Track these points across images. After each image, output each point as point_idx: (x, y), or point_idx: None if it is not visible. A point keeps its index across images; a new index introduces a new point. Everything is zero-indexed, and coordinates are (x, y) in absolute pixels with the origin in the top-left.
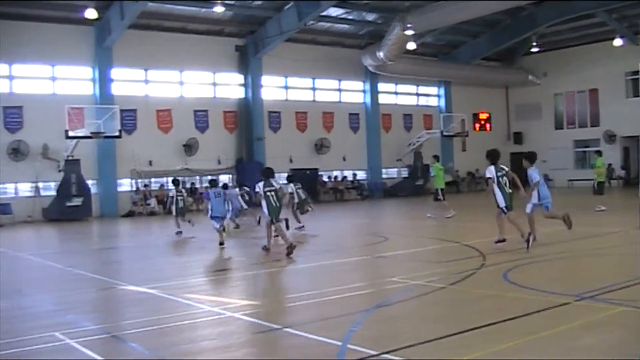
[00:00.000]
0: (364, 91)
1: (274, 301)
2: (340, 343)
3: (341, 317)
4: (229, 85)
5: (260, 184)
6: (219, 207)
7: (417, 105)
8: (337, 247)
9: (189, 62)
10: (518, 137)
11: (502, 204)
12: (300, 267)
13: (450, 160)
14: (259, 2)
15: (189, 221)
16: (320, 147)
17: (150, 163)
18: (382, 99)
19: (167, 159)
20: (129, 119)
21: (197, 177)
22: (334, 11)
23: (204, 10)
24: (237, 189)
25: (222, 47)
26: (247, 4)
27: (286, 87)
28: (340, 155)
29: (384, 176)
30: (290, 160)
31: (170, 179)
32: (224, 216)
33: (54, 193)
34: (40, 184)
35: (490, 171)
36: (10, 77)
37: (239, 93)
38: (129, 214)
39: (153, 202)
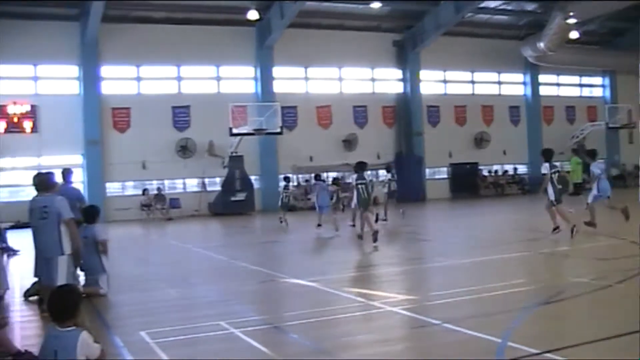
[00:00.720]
0: (524, 83)
1: (433, 296)
2: (500, 340)
3: (501, 314)
4: (387, 81)
5: (354, 176)
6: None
7: (580, 97)
8: (496, 242)
9: (348, 59)
10: None
11: (552, 197)
12: (459, 262)
13: (616, 153)
14: None
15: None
16: (480, 141)
17: (311, 158)
18: (543, 90)
19: (327, 154)
20: (289, 116)
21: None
22: (493, 2)
23: (361, 6)
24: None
25: (380, 43)
26: None
27: (444, 81)
28: (501, 149)
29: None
30: (450, 155)
31: (331, 174)
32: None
33: (219, 188)
34: (206, 180)
35: (546, 167)
36: (179, 79)
37: (397, 88)
38: (291, 209)
39: (314, 197)
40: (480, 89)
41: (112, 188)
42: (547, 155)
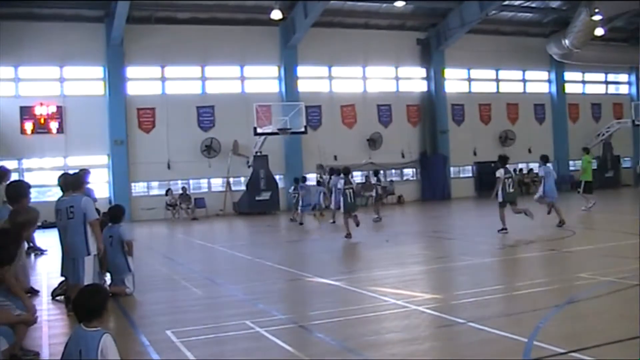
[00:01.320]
0: (549, 81)
1: (458, 295)
2: (526, 340)
3: (528, 313)
4: (412, 79)
5: (342, 182)
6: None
7: (606, 94)
8: (521, 241)
9: (372, 57)
10: None
11: (500, 199)
12: (486, 261)
13: None
14: None
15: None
16: (505, 139)
17: (335, 158)
18: (569, 88)
19: (351, 153)
20: (314, 115)
21: (382, 171)
22: (517, 0)
23: (385, 5)
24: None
25: (404, 41)
26: None
27: (469, 79)
28: (526, 147)
29: (572, 168)
30: (474, 153)
31: (357, 174)
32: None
33: (243, 188)
34: (231, 179)
35: (500, 172)
36: (203, 79)
37: (422, 86)
38: (314, 207)
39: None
40: (505, 87)
41: (138, 188)
42: (503, 161)
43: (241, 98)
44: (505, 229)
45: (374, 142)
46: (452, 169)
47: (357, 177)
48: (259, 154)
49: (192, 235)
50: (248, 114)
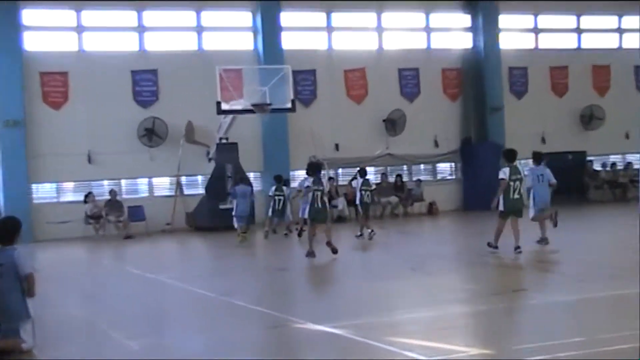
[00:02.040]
0: None
1: (519, 351)
2: None
3: None
4: (450, 31)
5: (310, 180)
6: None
7: None
8: (612, 271)
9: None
10: None
11: (501, 207)
12: (556, 300)
13: None
14: None
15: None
16: (589, 118)
17: (337, 147)
18: None
19: (361, 141)
20: (305, 85)
21: (404, 167)
22: None
23: None
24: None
25: None
26: None
27: (536, 30)
28: (621, 130)
29: None
30: (542, 140)
31: (370, 170)
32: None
33: (201, 191)
34: (183, 179)
35: (505, 172)
36: (141, 29)
37: (465, 42)
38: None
39: (341, 203)
40: (590, 41)
41: (43, 192)
42: (509, 156)
43: (198, 59)
44: (496, 247)
45: (393, 124)
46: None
47: (370, 173)
48: (224, 141)
49: (125, 261)
50: (208, 83)
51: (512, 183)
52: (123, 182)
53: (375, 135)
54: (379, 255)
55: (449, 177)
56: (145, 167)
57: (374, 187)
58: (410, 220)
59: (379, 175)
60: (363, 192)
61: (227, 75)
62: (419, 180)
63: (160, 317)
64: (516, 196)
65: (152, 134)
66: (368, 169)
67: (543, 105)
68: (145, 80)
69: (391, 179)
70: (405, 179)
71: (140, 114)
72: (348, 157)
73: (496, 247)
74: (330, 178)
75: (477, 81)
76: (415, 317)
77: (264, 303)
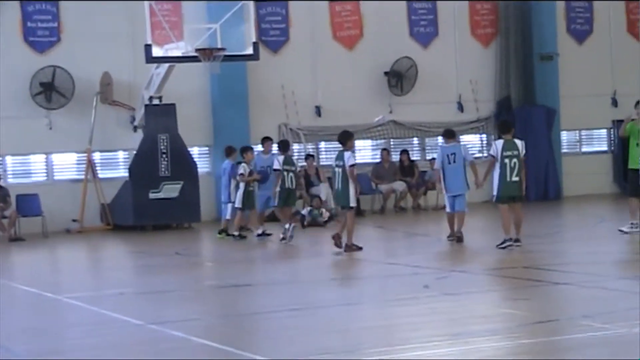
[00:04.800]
0: None
1: None
2: None
3: None
4: None
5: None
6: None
7: None
8: None
9: None
10: None
11: (494, 191)
12: (634, 331)
13: None
14: None
15: None
16: None
17: (319, 112)
18: None
19: (352, 103)
20: (273, 21)
21: (414, 140)
22: None
23: None
24: None
25: None
26: None
27: None
28: None
29: None
30: (614, 103)
31: (366, 144)
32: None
33: (123, 174)
34: (97, 156)
35: (496, 147)
36: None
37: None
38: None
39: (324, 190)
40: None
41: None
42: (504, 128)
43: None
44: (511, 240)
45: (399, 78)
46: (564, 135)
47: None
48: (156, 102)
49: (13, 275)
50: (132, 19)
51: (506, 161)
52: (9, 160)
53: (373, 95)
54: (378, 267)
55: (480, 155)
56: (41, 139)
57: (298, 167)
58: (423, 215)
59: (379, 152)
60: (285, 174)
61: (159, 7)
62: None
63: (63, 352)
64: (514, 178)
65: (51, 91)
66: (364, 142)
67: (615, 52)
68: (40, 13)
69: (395, 156)
70: (415, 157)
71: (33, 62)
72: (334, 125)
73: (511, 240)
74: (309, 156)
75: (520, 17)
76: (436, 356)
77: (213, 334)
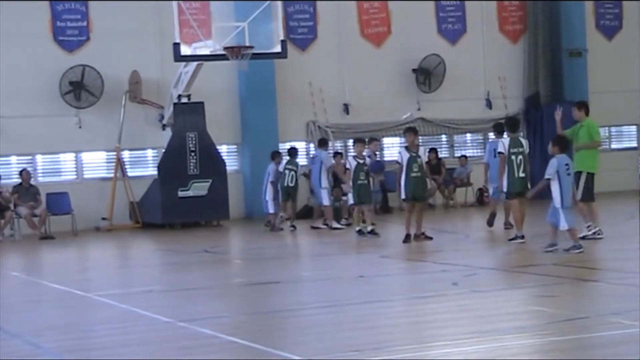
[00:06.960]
0: None
1: None
2: None
3: None
4: None
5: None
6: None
7: None
8: None
9: None
10: None
11: (504, 188)
12: None
13: None
14: None
15: None
16: None
17: (347, 109)
18: None
19: (378, 99)
20: (301, 19)
21: (443, 137)
22: None
23: None
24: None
25: None
26: None
27: None
28: None
29: None
30: None
31: (394, 141)
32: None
33: (152, 172)
34: (126, 154)
35: (503, 145)
36: None
37: None
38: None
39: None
40: None
41: None
42: (512, 126)
43: None
44: (522, 237)
45: (427, 75)
46: None
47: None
48: (185, 100)
49: (43, 273)
50: (160, 17)
51: (513, 157)
52: (39, 158)
53: (401, 93)
54: (406, 264)
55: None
56: (71, 138)
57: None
58: (451, 213)
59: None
60: (287, 172)
61: (188, 6)
62: (464, 157)
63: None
64: (521, 174)
65: (80, 90)
66: (391, 140)
67: None
68: (69, 12)
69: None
70: (443, 154)
71: (63, 61)
72: (362, 122)
73: (522, 238)
74: (336, 153)
75: (548, 13)
76: (464, 354)
77: (242, 331)
